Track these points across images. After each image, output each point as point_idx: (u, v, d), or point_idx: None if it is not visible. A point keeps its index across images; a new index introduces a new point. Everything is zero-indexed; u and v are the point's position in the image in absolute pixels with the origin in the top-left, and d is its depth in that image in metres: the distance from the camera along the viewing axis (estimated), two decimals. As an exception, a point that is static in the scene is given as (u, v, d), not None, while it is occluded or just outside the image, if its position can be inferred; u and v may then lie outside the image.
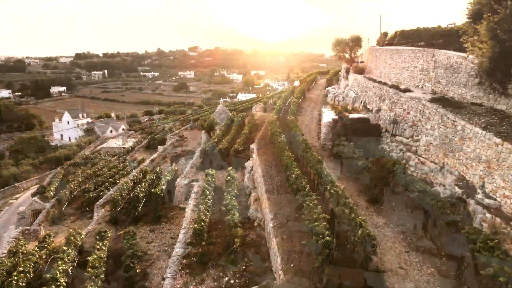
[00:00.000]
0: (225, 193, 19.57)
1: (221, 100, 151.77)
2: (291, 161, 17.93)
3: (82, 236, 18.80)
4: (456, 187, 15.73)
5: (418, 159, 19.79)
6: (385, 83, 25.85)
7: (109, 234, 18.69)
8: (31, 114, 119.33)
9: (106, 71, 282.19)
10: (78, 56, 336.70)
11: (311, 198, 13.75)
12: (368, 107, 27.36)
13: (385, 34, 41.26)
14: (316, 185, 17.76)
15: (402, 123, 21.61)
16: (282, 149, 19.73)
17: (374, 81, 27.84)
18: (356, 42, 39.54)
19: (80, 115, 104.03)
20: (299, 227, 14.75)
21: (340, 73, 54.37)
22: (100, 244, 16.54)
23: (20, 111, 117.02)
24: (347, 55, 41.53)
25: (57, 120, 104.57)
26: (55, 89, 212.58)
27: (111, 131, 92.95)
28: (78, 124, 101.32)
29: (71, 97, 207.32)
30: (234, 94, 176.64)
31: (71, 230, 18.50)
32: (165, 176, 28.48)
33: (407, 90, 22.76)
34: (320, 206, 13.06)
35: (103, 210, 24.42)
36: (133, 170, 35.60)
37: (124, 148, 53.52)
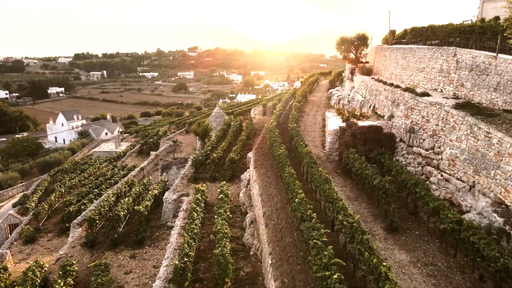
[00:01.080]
0: (215, 216, 16.76)
1: (220, 101, 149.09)
2: (293, 179, 15.14)
3: (45, 269, 16.02)
4: (495, 214, 12.93)
5: (441, 175, 17.01)
6: (397, 86, 23.05)
7: (76, 268, 15.85)
8: (25, 116, 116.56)
9: (105, 72, 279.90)
10: (77, 56, 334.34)
11: (319, 233, 10.95)
12: (379, 112, 24.56)
13: (393, 32, 38.56)
14: (324, 208, 14.97)
15: (421, 132, 18.82)
16: (283, 164, 16.95)
17: (385, 83, 25.05)
18: (362, 40, 36.73)
19: (75, 117, 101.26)
20: (303, 265, 11.98)
21: (343, 74, 51.61)
22: (62, 284, 13.76)
23: (14, 113, 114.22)
24: (352, 55, 38.70)
25: (51, 122, 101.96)
26: (53, 90, 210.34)
27: (106, 134, 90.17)
28: (73, 126, 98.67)
29: (69, 98, 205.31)
30: (234, 95, 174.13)
31: (30, 262, 15.74)
32: (153, 189, 25.69)
33: (424, 94, 19.96)
34: (331, 246, 10.24)
35: (80, 229, 21.63)
36: (121, 180, 32.84)
37: (116, 152, 50.66)
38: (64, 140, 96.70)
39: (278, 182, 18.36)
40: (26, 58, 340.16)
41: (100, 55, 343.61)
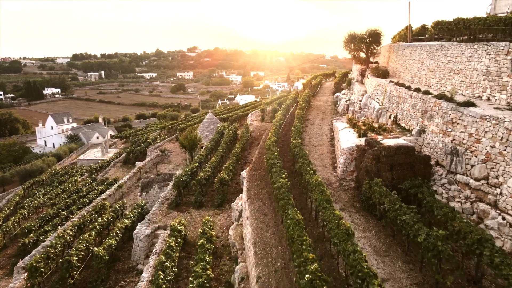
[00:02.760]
0: (191, 278, 12.05)
1: (219, 102, 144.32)
2: (299, 231, 10.49)
3: None
4: None
5: (503, 218, 12.36)
6: (427, 92, 18.39)
7: None
8: (15, 118, 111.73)
9: (103, 72, 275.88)
10: (75, 56, 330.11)
11: None
12: (403, 125, 19.89)
13: (408, 28, 34.03)
14: (345, 277, 10.29)
15: (467, 156, 14.16)
16: (285, 203, 12.30)
17: (409, 88, 20.40)
18: (374, 37, 32.06)
19: (65, 120, 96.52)
20: None
21: (349, 75, 47.01)
22: None
23: (3, 115, 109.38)
24: (362, 54, 34.05)
25: (40, 125, 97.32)
26: (48, 91, 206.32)
27: (97, 138, 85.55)
28: (62, 130, 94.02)
29: (65, 99, 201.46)
30: (233, 96, 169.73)
31: None
32: (126, 217, 21.03)
33: (469, 103, 15.30)
34: None
35: (25, 275, 16.94)
36: (97, 198, 28.19)
37: (100, 162, 45.97)
38: (53, 144, 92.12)
39: (278, 224, 13.70)
40: (24, 58, 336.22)
41: (98, 56, 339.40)
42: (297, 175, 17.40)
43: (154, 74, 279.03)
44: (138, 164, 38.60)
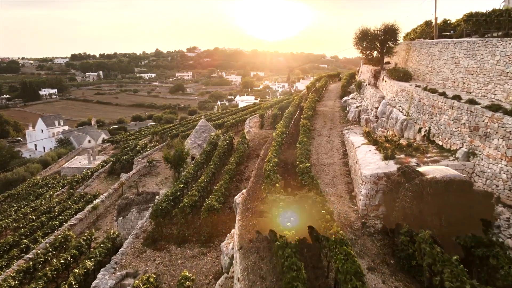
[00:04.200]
0: None
1: (219, 103, 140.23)
2: None
3: None
4: None
5: None
6: (473, 101, 14.19)
7: None
8: (5, 120, 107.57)
9: (101, 73, 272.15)
10: (74, 57, 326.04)
11: None
12: (439, 142, 15.67)
13: (428, 23, 29.94)
14: None
15: (550, 196, 9.97)
16: (292, 279, 8.15)
17: (445, 95, 16.18)
18: (390, 34, 27.78)
19: (56, 123, 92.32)
20: None
21: (357, 77, 42.79)
22: None
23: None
24: (375, 53, 29.81)
25: (30, 128, 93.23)
26: (45, 91, 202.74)
27: (89, 141, 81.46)
28: (53, 133, 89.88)
29: (62, 100, 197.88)
30: (232, 97, 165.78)
31: None
32: (90, 255, 16.81)
33: (542, 119, 11.09)
34: None
35: None
36: (65, 224, 24.00)
37: (83, 172, 41.78)
38: (44, 148, 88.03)
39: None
40: (22, 58, 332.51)
41: (97, 56, 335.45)
42: (307, 220, 13.20)
43: (153, 75, 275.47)
44: (123, 176, 34.46)
